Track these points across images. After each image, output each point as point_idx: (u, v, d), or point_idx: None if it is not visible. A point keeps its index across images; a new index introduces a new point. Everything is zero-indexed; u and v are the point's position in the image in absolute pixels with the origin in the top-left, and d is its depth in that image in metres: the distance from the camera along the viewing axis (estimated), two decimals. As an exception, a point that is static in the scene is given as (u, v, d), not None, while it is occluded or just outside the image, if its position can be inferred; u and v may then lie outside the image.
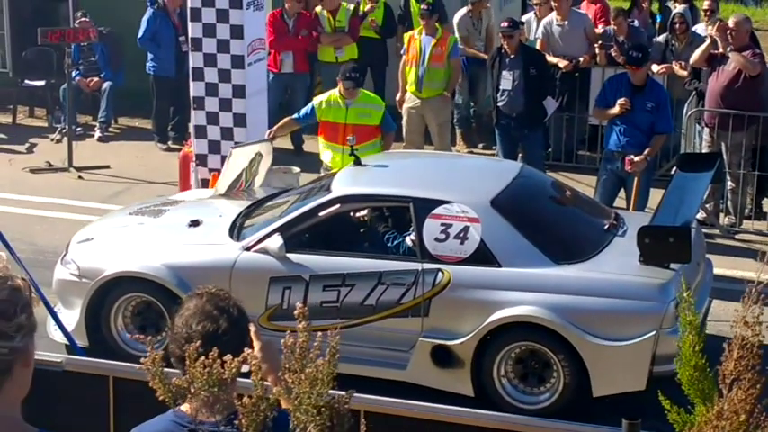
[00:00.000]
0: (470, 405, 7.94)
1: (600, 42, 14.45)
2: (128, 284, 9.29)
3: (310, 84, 15.60)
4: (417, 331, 8.75)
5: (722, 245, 12.10)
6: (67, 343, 9.04)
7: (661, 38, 14.61)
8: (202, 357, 3.27)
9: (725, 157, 12.25)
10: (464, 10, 15.19)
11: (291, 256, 8.95)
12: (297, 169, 11.61)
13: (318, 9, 15.37)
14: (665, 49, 14.18)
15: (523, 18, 15.42)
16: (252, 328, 3.75)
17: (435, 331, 8.71)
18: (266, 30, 13.20)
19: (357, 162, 9.72)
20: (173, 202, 10.60)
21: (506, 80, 12.82)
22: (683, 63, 13.69)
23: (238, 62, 11.72)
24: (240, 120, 11.81)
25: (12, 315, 2.89)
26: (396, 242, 9.14)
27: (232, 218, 9.67)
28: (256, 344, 3.70)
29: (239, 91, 11.77)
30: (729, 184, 12.56)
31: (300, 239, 9.10)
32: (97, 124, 16.01)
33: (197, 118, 11.95)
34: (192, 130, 12.19)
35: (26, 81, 16.86)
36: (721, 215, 12.77)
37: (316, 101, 11.49)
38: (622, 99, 11.48)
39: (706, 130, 12.65)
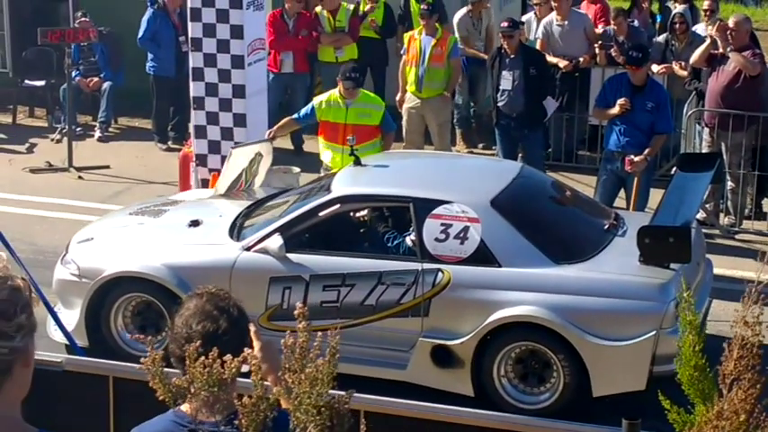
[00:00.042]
0: (470, 405, 7.94)
1: (600, 42, 14.45)
2: (128, 284, 9.29)
3: (310, 84, 15.60)
4: (417, 331, 8.75)
5: (722, 245, 12.10)
6: (67, 343, 9.04)
7: (661, 38, 14.61)
8: (202, 357, 3.27)
9: (725, 157, 12.25)
10: (464, 10, 15.19)
11: (291, 256, 8.95)
12: (297, 169, 11.62)
13: (318, 9, 15.37)
14: (665, 49, 14.18)
15: (523, 18, 15.42)
16: (252, 328, 3.75)
17: (435, 331, 8.71)
18: (266, 30, 13.20)
19: (357, 162, 9.72)
20: (173, 202, 10.61)
21: (506, 80, 12.83)
22: (683, 63, 13.69)
23: (238, 62, 11.72)
24: (240, 120, 11.81)
25: (12, 315, 2.89)
26: (396, 242, 9.14)
27: (232, 218, 9.67)
28: (256, 344, 3.70)
29: (239, 91, 11.77)
30: (729, 184, 12.56)
31: (300, 239, 9.10)
32: (97, 124, 16.01)
33: (197, 118, 11.95)
34: (192, 130, 12.18)
35: (26, 81, 16.86)
36: (721, 215, 12.77)
37: (315, 101, 11.49)
38: (622, 99, 11.48)
39: (706, 130, 12.64)
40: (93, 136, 15.91)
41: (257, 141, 11.14)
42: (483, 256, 8.66)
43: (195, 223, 9.64)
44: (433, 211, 8.82)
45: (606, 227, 9.32)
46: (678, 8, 15.24)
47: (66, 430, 5.60)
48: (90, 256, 9.47)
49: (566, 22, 14.45)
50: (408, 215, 8.99)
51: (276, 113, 13.90)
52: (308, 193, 9.69)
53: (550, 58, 14.06)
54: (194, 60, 11.84)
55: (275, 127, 11.63)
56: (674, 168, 10.89)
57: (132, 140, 15.89)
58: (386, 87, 15.50)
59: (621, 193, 11.84)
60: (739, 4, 25.74)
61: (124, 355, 8.94)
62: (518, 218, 8.93)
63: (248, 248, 9.07)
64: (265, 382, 3.36)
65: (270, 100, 12.81)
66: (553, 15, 14.56)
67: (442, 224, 8.76)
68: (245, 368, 3.37)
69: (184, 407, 3.51)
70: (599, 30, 14.84)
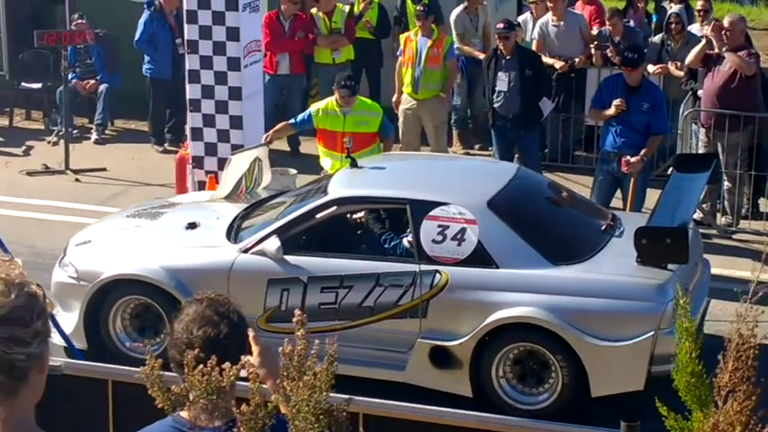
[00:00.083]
0: (469, 406, 7.96)
1: (596, 43, 14.46)
2: (126, 287, 9.30)
3: (306, 85, 15.61)
4: (416, 332, 8.76)
5: (719, 245, 12.11)
6: (66, 346, 9.04)
7: (657, 38, 14.63)
8: (201, 365, 3.28)
9: (721, 157, 12.25)
10: (460, 7, 15.19)
11: (289, 258, 8.96)
12: (293, 171, 11.62)
13: (314, 11, 15.38)
14: (660, 50, 14.19)
15: (520, 18, 15.44)
16: (250, 333, 3.76)
17: (434, 332, 8.72)
18: (262, 32, 13.20)
19: (354, 164, 9.72)
20: (170, 204, 10.61)
21: (502, 81, 12.84)
22: (678, 63, 13.70)
23: (234, 64, 11.72)
24: (236, 122, 11.81)
25: (28, 322, 2.91)
26: (393, 244, 9.16)
27: (229, 220, 9.68)
28: (255, 349, 3.71)
29: (235, 93, 11.78)
30: (726, 184, 12.58)
31: (298, 241, 9.11)
32: (94, 126, 16.01)
33: (193, 120, 11.95)
34: (188, 132, 12.18)
35: (23, 84, 16.83)
36: (718, 215, 12.78)
37: (313, 108, 11.50)
38: (618, 100, 11.48)
39: (702, 130, 12.65)
40: (89, 138, 15.91)
41: (255, 146, 11.14)
42: (480, 257, 8.67)
43: (192, 226, 9.65)
44: (430, 213, 8.83)
45: (603, 228, 9.34)
46: (674, 8, 15.27)
47: (66, 434, 5.61)
48: (88, 258, 9.48)
49: (561, 23, 14.46)
50: (405, 217, 9.00)
51: (272, 115, 13.90)
52: (305, 195, 9.70)
53: (546, 59, 14.07)
54: (190, 62, 11.84)
55: (272, 131, 11.64)
56: (671, 169, 10.90)
57: (129, 143, 15.89)
58: (381, 88, 15.53)
59: (618, 193, 11.85)
60: (735, 4, 25.75)
61: (123, 358, 8.95)
62: (515, 219, 8.94)
63: (246, 251, 9.07)
64: (264, 385, 3.37)
65: (266, 102, 12.82)
66: (549, 16, 14.57)
67: (439, 226, 8.78)
68: (243, 373, 3.38)
69: (184, 412, 3.52)
70: (594, 31, 14.85)
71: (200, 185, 11.75)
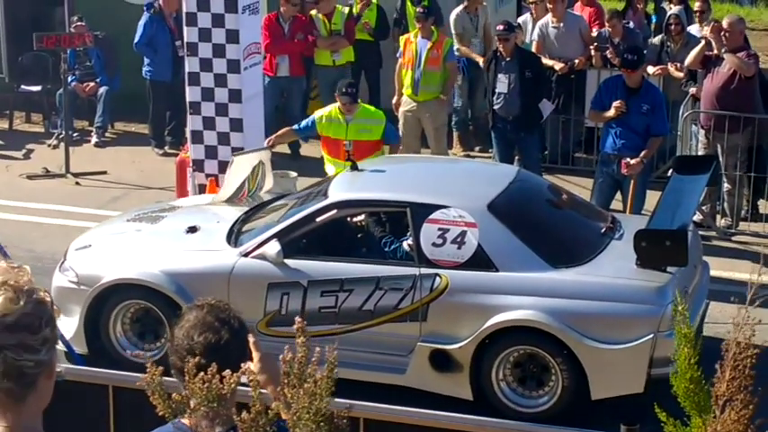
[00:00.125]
0: (469, 409, 7.97)
1: (595, 44, 14.46)
2: (126, 291, 9.30)
3: (306, 87, 15.62)
4: (416, 336, 8.76)
5: (719, 247, 12.11)
6: (66, 350, 9.05)
7: (656, 39, 14.63)
8: (201, 373, 3.29)
9: (721, 158, 12.25)
10: (460, 7, 15.18)
11: (289, 261, 8.97)
12: (294, 174, 11.62)
13: (314, 12, 15.38)
14: (660, 51, 14.20)
15: (520, 20, 15.44)
16: (251, 338, 3.76)
17: (434, 336, 8.73)
18: (262, 33, 13.20)
19: (354, 167, 9.73)
20: (170, 208, 10.61)
21: (502, 83, 12.85)
22: (678, 64, 13.70)
23: (234, 66, 11.72)
24: (237, 124, 11.81)
25: (37, 329, 2.93)
26: (393, 247, 9.16)
27: (229, 224, 9.68)
28: (255, 354, 3.71)
29: (235, 95, 11.78)
30: (726, 185, 12.57)
31: (298, 245, 9.11)
32: (94, 129, 16.01)
33: (193, 123, 11.95)
34: (188, 134, 12.19)
35: (22, 86, 16.83)
36: (718, 217, 12.78)
37: (317, 115, 11.50)
38: (618, 102, 11.49)
39: (702, 131, 12.65)
40: (89, 141, 15.91)
41: (257, 149, 11.15)
42: (480, 260, 8.67)
43: (193, 229, 9.65)
44: (430, 216, 8.83)
45: (603, 230, 9.34)
46: (673, 9, 15.28)
47: (67, 440, 5.62)
48: (88, 263, 9.48)
49: (561, 24, 14.46)
50: (405, 220, 9.01)
51: (272, 117, 13.92)
52: (305, 198, 9.70)
53: (546, 61, 14.07)
54: (190, 65, 11.84)
55: (274, 136, 11.66)
56: (671, 171, 10.91)
57: (129, 145, 15.88)
58: (380, 90, 15.54)
59: (618, 195, 11.85)
60: (734, 4, 25.76)
61: (123, 362, 8.96)
62: (515, 222, 8.95)
63: (246, 254, 9.08)
64: (264, 390, 3.38)
65: (266, 104, 12.82)
66: (549, 17, 14.57)
67: (440, 229, 8.78)
68: (243, 379, 3.39)
69: (185, 419, 3.52)
70: (594, 32, 14.85)
71: (201, 189, 11.75)
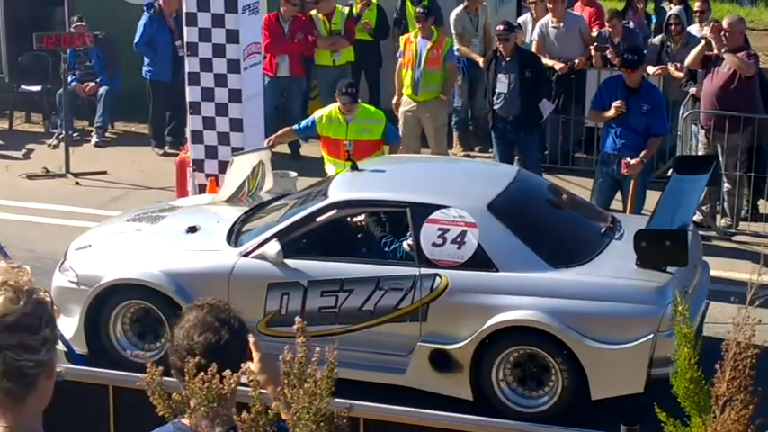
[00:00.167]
0: (469, 409, 7.97)
1: (595, 44, 14.46)
2: (126, 291, 9.30)
3: (306, 87, 15.62)
4: (416, 336, 8.76)
5: (719, 247, 12.11)
6: (66, 350, 9.05)
7: (656, 39, 14.63)
8: (201, 373, 3.29)
9: (721, 158, 12.25)
10: (460, 7, 15.18)
11: (289, 261, 8.97)
12: (294, 174, 11.62)
13: (314, 12, 15.38)
14: (660, 51, 14.19)
15: (520, 20, 15.44)
16: (251, 338, 3.77)
17: (434, 336, 8.73)
18: (262, 33, 13.20)
19: (354, 167, 9.73)
20: (170, 208, 10.61)
21: (502, 83, 12.85)
22: (678, 64, 13.69)
23: (234, 66, 11.72)
24: (237, 124, 11.81)
25: (37, 329, 2.94)
26: (393, 247, 9.16)
27: (229, 224, 9.68)
28: (255, 354, 3.72)
29: (235, 95, 11.78)
30: (726, 185, 12.57)
31: (298, 245, 9.11)
32: (94, 129, 16.01)
33: (193, 123, 11.95)
34: (188, 135, 12.19)
35: (22, 86, 16.83)
36: (718, 217, 12.78)
37: (317, 115, 11.50)
38: (618, 102, 11.49)
39: (702, 131, 12.65)
40: (89, 141, 15.91)
41: (257, 149, 11.15)
42: (480, 260, 8.67)
43: (193, 229, 9.65)
44: (430, 216, 8.83)
45: (603, 230, 9.34)
46: (673, 9, 15.27)
47: (67, 440, 5.62)
48: (88, 263, 9.48)
49: (561, 24, 14.46)
50: (405, 220, 9.01)
51: (272, 117, 13.92)
52: (305, 198, 9.71)
53: (546, 61, 14.07)
54: (190, 65, 11.84)
55: (274, 136, 11.66)
56: (671, 171, 10.91)
57: (129, 145, 15.88)
58: (380, 90, 15.54)
59: (618, 195, 11.86)
60: (734, 4, 25.76)
61: (123, 362, 8.96)
62: (515, 222, 8.95)
63: (246, 254, 9.08)
64: (264, 390, 3.38)
65: (266, 104, 12.82)
66: (549, 17, 14.57)
67: (440, 229, 8.78)
68: (243, 379, 3.39)
69: (185, 419, 3.52)
70: (594, 32, 14.85)
71: (201, 189, 11.75)
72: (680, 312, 3.88)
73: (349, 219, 9.57)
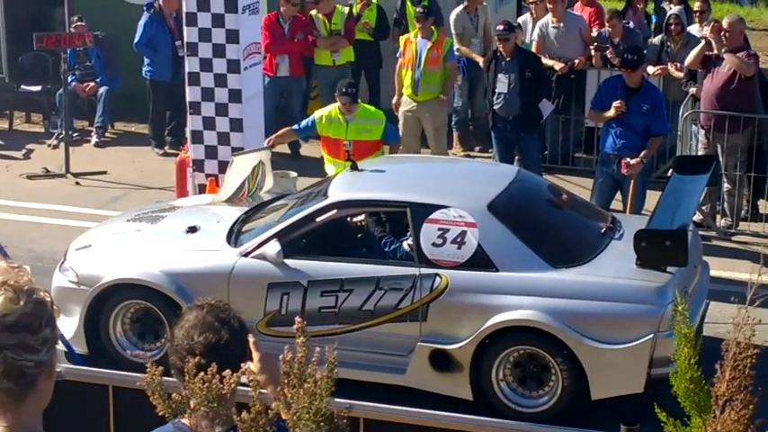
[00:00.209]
0: (469, 409, 7.97)
1: (595, 44, 14.46)
2: (126, 291, 9.30)
3: (306, 87, 15.63)
4: (416, 336, 8.76)
5: (719, 246, 12.11)
6: (66, 350, 9.05)
7: (656, 39, 14.63)
8: (201, 373, 3.29)
9: (721, 158, 12.25)
10: (460, 7, 15.18)
11: (289, 261, 8.97)
12: (294, 173, 11.62)
13: (314, 12, 15.39)
14: (660, 51, 14.19)
15: (520, 20, 15.44)
16: (251, 338, 3.77)
17: (434, 336, 8.73)
18: (262, 33, 13.20)
19: (354, 167, 9.73)
20: (170, 208, 10.61)
21: (502, 83, 12.85)
22: (678, 64, 13.69)
23: (234, 67, 11.72)
24: (237, 124, 11.81)
25: (37, 329, 2.94)
26: (393, 247, 9.16)
27: (229, 224, 9.68)
28: (255, 354, 3.72)
29: (235, 95, 11.78)
30: (726, 185, 12.57)
31: (298, 245, 9.11)
32: (94, 129, 16.01)
33: (193, 123, 11.95)
34: (188, 135, 12.19)
35: (22, 86, 16.83)
36: (718, 217, 12.78)
37: (317, 114, 11.49)
38: (618, 102, 11.49)
39: (702, 131, 12.65)
40: (89, 141, 15.91)
41: (257, 149, 11.15)
42: (480, 260, 8.67)
43: (193, 229, 9.65)
44: (430, 216, 8.83)
45: (603, 230, 9.34)
46: (673, 9, 15.26)
47: (67, 440, 5.62)
48: (88, 263, 9.49)
49: (561, 24, 14.46)
50: (405, 220, 9.01)
51: (272, 117, 13.92)
52: (305, 198, 9.71)
53: (546, 61, 14.07)
54: (190, 65, 11.84)
55: (274, 136, 11.67)
56: (671, 171, 10.92)
57: (129, 145, 15.88)
58: (380, 90, 15.54)
59: (618, 195, 11.85)
60: (734, 4, 25.76)
61: (123, 362, 8.96)
62: (515, 222, 8.95)
63: (246, 254, 9.08)
64: (264, 390, 3.38)
65: (266, 104, 12.82)
66: (549, 17, 14.57)
67: (440, 229, 8.78)
68: (243, 379, 3.39)
69: (185, 419, 3.52)
70: (594, 32, 14.85)
71: (201, 189, 11.75)
72: (680, 312, 3.88)
73: (349, 219, 9.58)
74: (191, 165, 11.99)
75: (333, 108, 11.34)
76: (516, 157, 13.22)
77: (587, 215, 9.89)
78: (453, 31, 14.81)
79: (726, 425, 3.45)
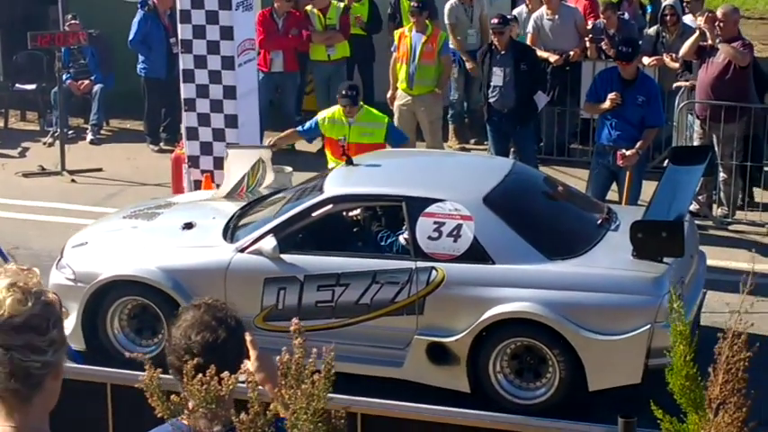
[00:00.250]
0: (467, 401, 7.97)
1: (590, 36, 14.46)
2: (123, 288, 9.31)
3: (301, 82, 15.62)
4: (412, 329, 8.77)
5: (715, 236, 12.12)
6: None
7: (652, 30, 14.62)
8: (200, 375, 3.29)
9: (717, 148, 12.26)
10: (455, -2, 15.16)
11: (285, 256, 8.97)
12: (289, 168, 11.61)
13: (309, 7, 15.38)
14: (655, 42, 14.19)
15: (514, 12, 15.41)
16: (248, 337, 3.77)
17: (430, 329, 8.73)
18: (256, 29, 13.20)
19: (349, 162, 9.73)
20: (166, 204, 10.61)
21: (497, 76, 12.85)
22: (674, 55, 13.69)
23: (228, 63, 11.72)
24: (232, 121, 11.82)
25: (45, 330, 2.96)
26: (389, 241, 9.17)
27: (225, 219, 9.69)
28: (252, 353, 3.72)
29: (230, 92, 11.78)
30: (722, 175, 12.58)
31: (294, 240, 9.12)
32: (89, 127, 16.01)
33: (188, 120, 11.95)
34: (183, 131, 12.19)
35: (17, 85, 16.84)
36: (714, 206, 12.79)
37: (320, 116, 11.47)
38: (613, 93, 11.48)
39: (697, 121, 12.66)
40: (85, 139, 15.91)
41: (257, 147, 11.15)
42: (476, 253, 8.68)
43: (189, 226, 9.65)
44: (426, 210, 8.84)
45: (599, 221, 9.34)
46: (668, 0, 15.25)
47: (65, 439, 5.61)
48: (85, 260, 9.49)
49: (556, 16, 14.46)
50: (401, 214, 9.01)
51: (267, 112, 13.91)
52: (300, 193, 9.71)
53: (541, 53, 14.07)
54: (185, 62, 11.85)
55: (277, 137, 11.68)
56: (667, 161, 10.92)
57: (124, 142, 15.88)
58: (374, 84, 15.52)
59: (614, 186, 11.86)
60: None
61: (121, 359, 8.95)
62: (511, 214, 8.95)
63: (242, 250, 9.09)
64: (262, 388, 3.39)
65: (260, 99, 12.82)
66: (543, 9, 14.57)
67: (435, 222, 8.78)
68: (242, 378, 3.40)
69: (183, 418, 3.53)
70: (589, 24, 14.85)
71: (196, 185, 11.76)
72: (675, 309, 3.87)
73: (345, 213, 9.58)
74: (186, 161, 11.99)
75: (336, 109, 11.31)
76: (512, 150, 13.22)
77: (583, 207, 9.90)
78: (446, 22, 14.78)
79: (719, 428, 3.45)
